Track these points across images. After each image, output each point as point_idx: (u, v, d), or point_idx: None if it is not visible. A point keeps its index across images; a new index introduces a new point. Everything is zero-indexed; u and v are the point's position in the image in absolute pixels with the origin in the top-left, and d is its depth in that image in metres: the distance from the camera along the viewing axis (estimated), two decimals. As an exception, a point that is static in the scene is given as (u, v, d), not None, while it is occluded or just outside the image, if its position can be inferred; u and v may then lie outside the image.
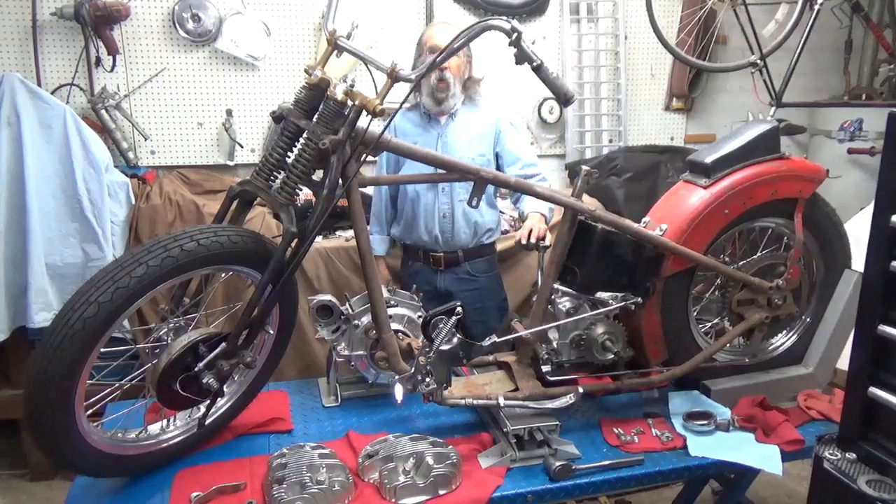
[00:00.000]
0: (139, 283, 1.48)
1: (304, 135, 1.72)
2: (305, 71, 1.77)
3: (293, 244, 1.71)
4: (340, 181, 1.74)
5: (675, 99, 3.96)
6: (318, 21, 3.42)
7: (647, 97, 3.96)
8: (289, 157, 1.74)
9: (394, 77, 1.69)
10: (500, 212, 2.93)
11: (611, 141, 3.83)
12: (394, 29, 3.52)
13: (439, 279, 2.68)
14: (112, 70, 3.20)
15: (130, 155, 3.28)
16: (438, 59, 1.68)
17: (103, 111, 3.19)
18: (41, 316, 2.78)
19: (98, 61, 3.19)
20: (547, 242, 2.30)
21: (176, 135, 3.41)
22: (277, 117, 1.77)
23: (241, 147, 3.47)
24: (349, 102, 1.71)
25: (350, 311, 2.04)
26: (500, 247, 2.91)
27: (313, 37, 3.46)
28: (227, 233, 1.64)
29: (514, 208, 2.98)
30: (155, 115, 3.36)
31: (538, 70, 1.63)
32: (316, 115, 1.73)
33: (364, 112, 1.70)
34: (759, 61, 3.19)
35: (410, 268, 2.75)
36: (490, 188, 2.64)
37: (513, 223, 3.29)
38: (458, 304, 1.84)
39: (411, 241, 2.71)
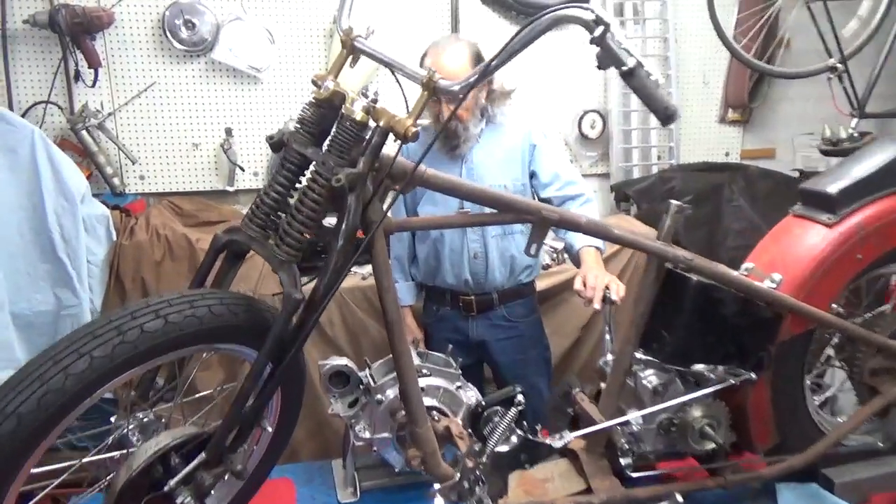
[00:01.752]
0: (78, 383, 1.05)
1: (312, 167, 1.29)
2: (313, 83, 1.34)
3: (299, 312, 1.28)
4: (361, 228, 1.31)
5: (730, 110, 3.51)
6: (330, 26, 3.00)
7: (699, 108, 3.52)
8: (291, 197, 1.31)
9: (431, 89, 1.25)
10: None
11: (660, 158, 3.38)
12: (415, 36, 3.09)
13: (471, 327, 2.23)
14: (94, 85, 2.80)
15: (116, 181, 2.87)
16: (494, 62, 1.23)
17: (84, 132, 2.78)
18: (6, 374, 2.35)
19: (78, 75, 2.78)
20: (615, 295, 1.84)
21: (168, 158, 2.99)
22: (276, 144, 1.34)
23: (243, 170, 3.05)
24: (371, 123, 1.27)
25: (371, 380, 1.62)
26: (539, 285, 2.46)
27: (323, 44, 3.04)
28: (206, 302, 1.21)
29: (556, 238, 2.53)
30: (144, 136, 2.95)
31: (630, 76, 1.18)
32: (327, 141, 1.30)
33: (391, 136, 1.27)
34: (838, 65, 2.74)
35: (435, 314, 2.30)
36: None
37: (554, 256, 2.84)
38: (518, 390, 1.39)
39: (435, 284, 2.26)
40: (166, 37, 2.85)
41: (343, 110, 1.27)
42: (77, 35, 2.71)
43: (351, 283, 2.68)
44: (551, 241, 2.77)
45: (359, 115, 1.26)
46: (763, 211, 2.94)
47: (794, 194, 1.68)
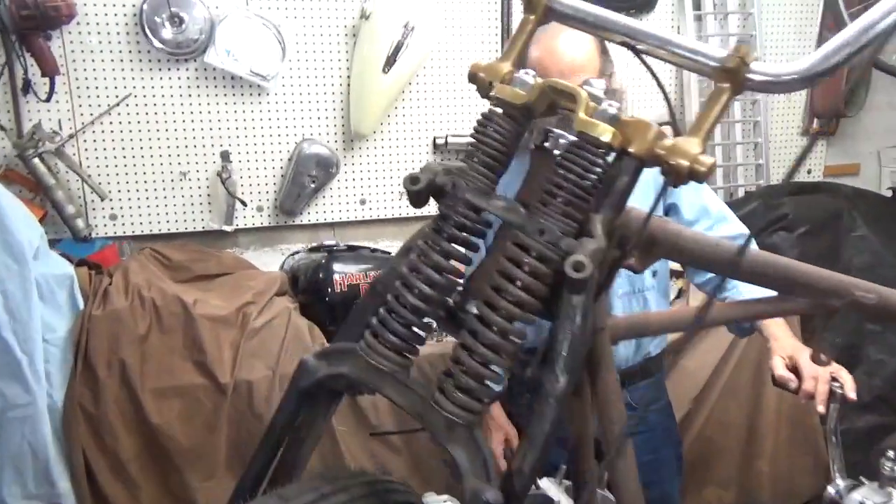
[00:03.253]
0: None
1: (512, 241, 0.66)
2: (473, 77, 0.73)
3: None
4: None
5: (816, 120, 2.99)
6: (354, 22, 2.38)
7: (780, 118, 2.99)
8: (452, 298, 0.69)
9: (741, 81, 0.65)
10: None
11: (746, 178, 2.84)
12: (460, 34, 2.50)
13: None
14: (49, 99, 2.13)
15: (79, 223, 2.19)
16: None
17: (36, 160, 2.10)
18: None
19: (28, 86, 2.11)
20: (850, 391, 1.25)
21: (147, 191, 2.32)
22: (426, 193, 0.71)
23: (245, 205, 2.39)
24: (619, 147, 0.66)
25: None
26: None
27: (345, 46, 2.41)
28: None
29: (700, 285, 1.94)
30: (115, 164, 2.28)
31: None
32: (540, 185, 0.69)
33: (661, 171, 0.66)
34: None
35: (529, 402, 1.67)
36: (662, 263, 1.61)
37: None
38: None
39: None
40: (145, 35, 2.19)
41: (577, 125, 0.66)
42: (27, 34, 2.04)
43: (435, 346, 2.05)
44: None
45: (606, 133, 0.65)
46: (890, 242, 2.41)
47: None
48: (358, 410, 1.97)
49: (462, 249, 0.70)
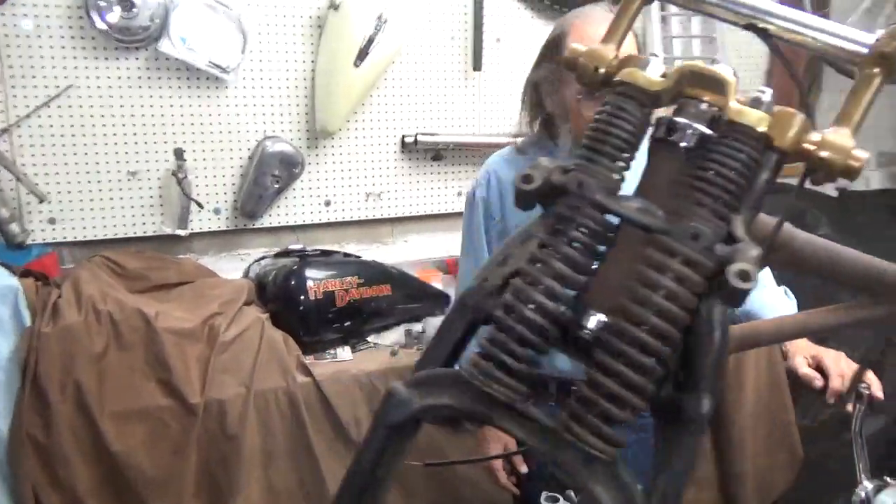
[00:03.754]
0: None
1: (660, 245, 0.57)
2: (573, 66, 0.65)
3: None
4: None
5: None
6: (319, 13, 2.24)
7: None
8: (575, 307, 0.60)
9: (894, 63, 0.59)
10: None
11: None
12: (429, 28, 2.40)
13: None
14: (-22, 88, 1.89)
15: (14, 228, 1.96)
16: None
17: (-37, 157, 1.87)
18: None
19: (-49, 73, 1.87)
20: (878, 390, 1.25)
21: (91, 192, 2.11)
22: (544, 192, 0.61)
23: (201, 207, 2.20)
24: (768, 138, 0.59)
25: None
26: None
27: (309, 37, 2.27)
28: None
29: None
30: (55, 162, 2.06)
31: None
32: (668, 182, 0.61)
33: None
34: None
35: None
36: None
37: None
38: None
39: (537, 371, 1.56)
40: (89, 20, 1.98)
41: (731, 114, 0.58)
42: (-50, 13, 1.81)
43: (377, 360, 1.94)
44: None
45: (762, 123, 0.57)
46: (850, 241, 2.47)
47: None
48: (337, 424, 1.84)
49: (584, 257, 0.60)
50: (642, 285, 0.56)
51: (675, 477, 0.58)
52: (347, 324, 1.98)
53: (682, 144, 0.62)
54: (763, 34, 0.64)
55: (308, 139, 2.33)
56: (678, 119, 0.61)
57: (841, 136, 0.58)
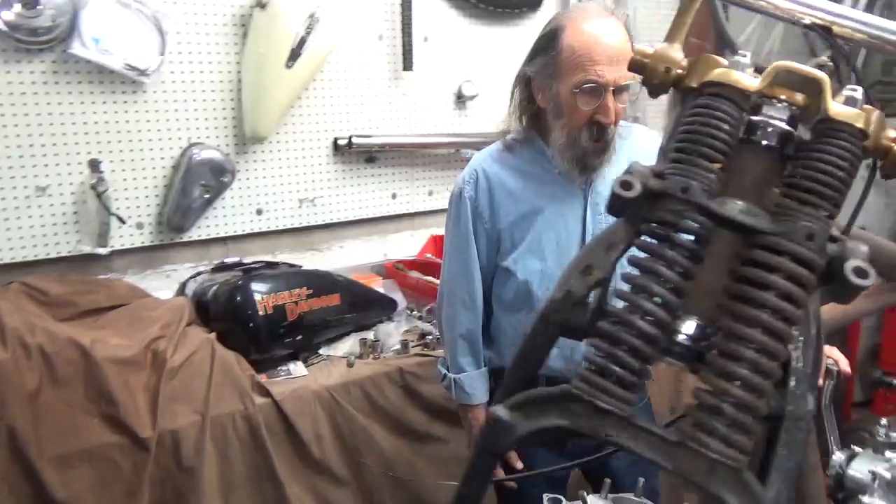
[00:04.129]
0: None
1: (772, 245, 0.56)
2: (640, 69, 0.65)
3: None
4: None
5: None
6: (242, 12, 2.11)
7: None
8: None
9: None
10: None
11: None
12: (358, 28, 2.33)
13: None
14: None
15: None
16: None
17: None
18: None
19: None
20: (845, 366, 1.33)
21: (-5, 211, 1.89)
22: (644, 197, 0.59)
23: (123, 223, 2.03)
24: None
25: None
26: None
27: (232, 38, 2.13)
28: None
29: None
30: (-50, 179, 1.82)
31: None
32: (757, 182, 0.61)
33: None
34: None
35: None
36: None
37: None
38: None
39: None
40: (-14, 18, 1.77)
41: (831, 112, 0.58)
42: None
43: (337, 375, 1.87)
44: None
45: (859, 120, 0.59)
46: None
47: None
48: (300, 444, 1.76)
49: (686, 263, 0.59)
50: (754, 287, 0.56)
51: (788, 472, 0.59)
52: (299, 338, 1.89)
53: (764, 143, 0.62)
54: (827, 33, 0.66)
55: (237, 145, 2.20)
56: (758, 118, 0.62)
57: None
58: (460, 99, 2.57)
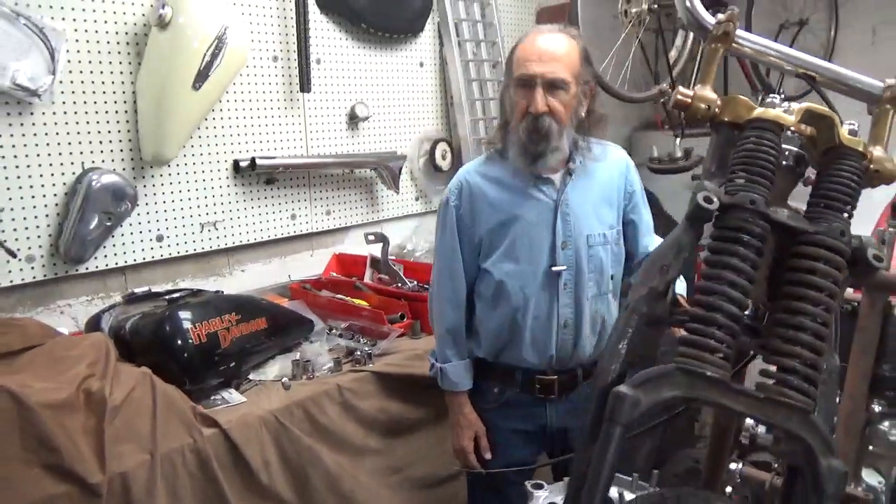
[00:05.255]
0: None
1: (816, 242, 0.75)
2: (684, 108, 0.83)
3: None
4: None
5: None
6: (137, 30, 2.02)
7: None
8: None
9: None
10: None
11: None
12: (256, 49, 2.31)
13: (549, 413, 1.71)
14: None
15: None
16: None
17: None
18: None
19: None
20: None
21: None
22: (723, 206, 0.75)
23: (14, 256, 1.85)
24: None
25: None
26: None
27: (126, 55, 2.03)
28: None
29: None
30: None
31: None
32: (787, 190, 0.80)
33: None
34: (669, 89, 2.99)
35: (498, 398, 1.73)
36: (613, 258, 1.69)
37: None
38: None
39: (502, 361, 1.71)
40: None
41: (844, 140, 0.79)
42: None
43: (278, 399, 1.86)
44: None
45: (860, 145, 0.80)
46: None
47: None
48: (248, 471, 1.73)
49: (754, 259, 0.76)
50: (805, 273, 0.75)
51: (828, 413, 0.78)
52: (232, 364, 1.85)
53: (784, 163, 0.82)
54: (811, 80, 0.87)
55: (134, 169, 2.09)
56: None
57: (880, 152, 0.83)
58: (353, 120, 2.63)
